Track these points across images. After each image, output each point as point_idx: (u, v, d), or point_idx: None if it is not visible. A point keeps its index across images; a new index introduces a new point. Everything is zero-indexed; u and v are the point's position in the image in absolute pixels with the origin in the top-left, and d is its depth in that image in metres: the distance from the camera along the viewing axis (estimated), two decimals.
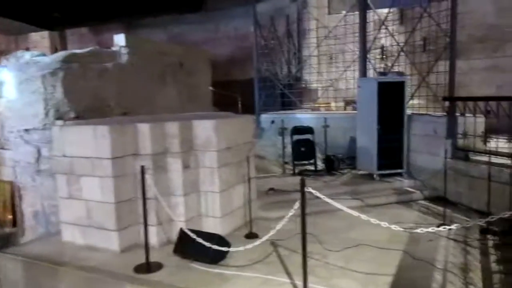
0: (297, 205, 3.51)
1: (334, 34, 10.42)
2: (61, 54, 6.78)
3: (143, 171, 4.20)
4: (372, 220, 3.43)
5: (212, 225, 5.03)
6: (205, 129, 4.97)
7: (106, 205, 4.66)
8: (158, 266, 4.27)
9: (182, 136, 4.90)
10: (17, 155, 7.12)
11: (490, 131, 5.93)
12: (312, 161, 7.68)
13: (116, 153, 4.61)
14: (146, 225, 4.26)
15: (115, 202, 4.61)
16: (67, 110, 6.52)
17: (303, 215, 3.44)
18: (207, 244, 4.06)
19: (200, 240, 4.09)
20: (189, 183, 4.95)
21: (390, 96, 7.02)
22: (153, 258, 4.39)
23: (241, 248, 3.96)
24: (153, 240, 4.79)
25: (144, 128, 4.77)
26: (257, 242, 3.93)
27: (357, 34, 8.93)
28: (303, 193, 3.42)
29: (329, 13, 11.33)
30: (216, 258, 4.25)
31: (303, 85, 10.97)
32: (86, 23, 14.20)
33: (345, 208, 3.58)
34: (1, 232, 7.45)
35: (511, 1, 9.30)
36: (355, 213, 3.56)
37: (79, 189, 4.86)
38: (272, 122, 5.97)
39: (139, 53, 7.56)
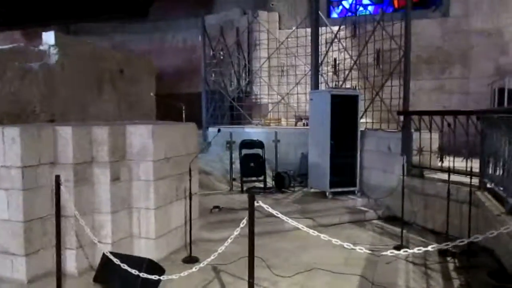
0: (243, 223, 2.95)
1: (286, 47, 10.20)
2: None
3: (58, 182, 3.45)
4: (334, 241, 2.93)
5: (144, 248, 4.31)
6: (140, 135, 4.31)
7: (12, 225, 3.82)
8: None
9: (113, 143, 4.20)
10: None
11: (444, 148, 5.76)
12: (261, 177, 7.17)
13: (28, 161, 3.81)
14: (58, 248, 3.48)
15: (23, 220, 3.78)
16: None
17: (251, 235, 2.88)
18: (134, 271, 3.36)
19: (125, 266, 3.37)
20: (119, 198, 4.23)
21: (343, 110, 6.74)
22: None
23: (175, 276, 3.30)
24: (71, 266, 4.00)
25: (65, 132, 4.02)
26: (196, 267, 3.30)
27: (308, 49, 8.72)
28: (251, 211, 2.87)
29: (280, 28, 11.14)
30: None
31: (253, 100, 10.58)
32: (19, 26, 12.98)
33: (301, 226, 3.07)
34: None
35: (456, 24, 9.57)
36: (313, 232, 3.05)
37: None
38: (219, 130, 5.42)
39: (71, 54, 6.76)
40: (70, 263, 4.01)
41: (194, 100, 10.34)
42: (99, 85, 7.60)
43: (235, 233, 3.11)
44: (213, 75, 10.07)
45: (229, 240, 3.15)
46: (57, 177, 3.47)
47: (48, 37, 6.44)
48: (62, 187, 3.50)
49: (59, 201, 3.47)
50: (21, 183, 3.76)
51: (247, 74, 10.81)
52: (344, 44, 9.07)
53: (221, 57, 10.40)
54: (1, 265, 3.89)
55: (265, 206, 3.01)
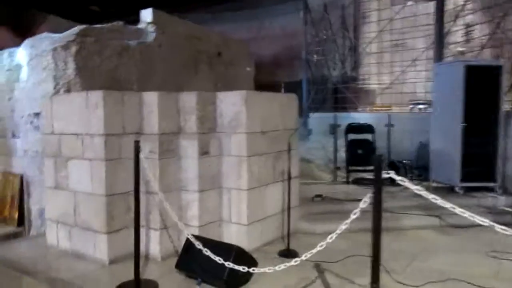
0: (356, 214, 2.17)
1: (397, 27, 8.93)
2: (77, 27, 5.85)
3: (137, 149, 2.96)
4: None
5: (235, 235, 3.69)
6: (232, 104, 3.70)
7: (95, 198, 3.47)
8: (149, 287, 2.98)
9: (202, 112, 3.66)
10: (26, 144, 6.24)
11: None
12: (370, 167, 6.13)
13: (111, 129, 3.43)
14: (137, 228, 2.99)
15: (106, 194, 3.41)
16: (79, 90, 5.53)
17: (376, 234, 2.07)
18: (221, 260, 2.72)
19: (210, 253, 2.75)
20: (208, 175, 3.66)
21: (481, 86, 5.38)
22: (150, 274, 3.15)
23: (269, 270, 2.57)
24: (155, 249, 3.53)
25: (151, 98, 3.58)
26: (295, 262, 2.53)
27: (425, 27, 7.39)
28: (378, 200, 2.05)
29: (393, 4, 9.86)
30: (233, 281, 2.90)
31: (359, 84, 9.50)
32: (125, 18, 13.63)
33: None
34: (6, 231, 6.54)
35: None
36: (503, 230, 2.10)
37: (66, 176, 3.73)
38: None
39: (169, 33, 6.52)
40: (154, 245, 3.55)
41: (294, 89, 9.62)
42: (195, 65, 7.31)
43: (343, 226, 2.32)
44: (315, 57, 9.25)
45: (334, 235, 2.37)
46: (136, 143, 2.98)
47: (146, 15, 6.25)
48: (143, 159, 3.00)
49: (138, 172, 2.99)
50: (103, 152, 3.39)
51: (353, 55, 9.76)
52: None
53: (324, 37, 9.52)
54: (85, 242, 3.59)
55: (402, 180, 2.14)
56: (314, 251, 2.39)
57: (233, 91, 3.76)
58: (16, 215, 6.69)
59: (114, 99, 3.46)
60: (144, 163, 3.02)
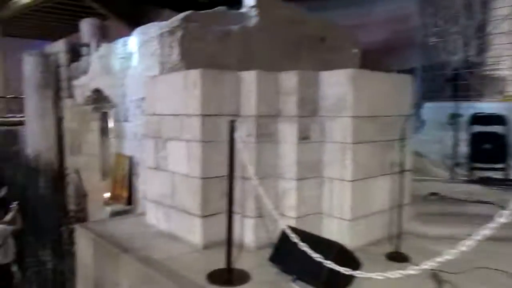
0: (501, 219, 1.63)
1: None
2: (182, 13, 5.94)
3: (232, 126, 2.75)
4: None
5: (336, 230, 3.31)
6: (337, 84, 3.30)
7: (191, 181, 3.38)
8: (242, 278, 2.77)
9: (303, 93, 3.33)
10: (134, 127, 6.59)
11: None
12: (502, 165, 5.19)
13: (208, 109, 3.30)
14: (230, 214, 2.80)
15: (201, 176, 3.29)
16: None
17: None
18: (320, 258, 2.38)
19: (307, 249, 2.43)
20: (307, 163, 3.33)
21: None
22: (242, 263, 2.95)
23: (377, 276, 2.16)
24: (248, 238, 3.33)
25: (248, 78, 3.36)
26: (411, 270, 2.07)
27: None
28: None
29: None
30: (333, 283, 2.53)
31: (486, 71, 8.24)
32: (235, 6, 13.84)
33: None
34: (117, 208, 7.03)
35: None
36: None
37: (165, 157, 3.72)
38: None
39: (271, 17, 6.29)
40: (248, 234, 3.35)
41: None
42: (297, 51, 6.98)
43: (485, 231, 1.80)
44: (432, 40, 8.27)
45: (469, 242, 1.84)
46: (232, 123, 2.77)
47: None
48: (239, 142, 2.79)
49: (233, 155, 2.78)
50: (200, 134, 3.27)
51: (479, 37, 8.50)
52: None
53: (444, 17, 8.45)
54: (180, 224, 3.53)
55: None
56: (440, 259, 1.90)
57: (338, 70, 3.35)
58: (126, 194, 7.14)
59: (212, 78, 3.32)
60: (239, 146, 2.80)
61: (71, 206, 5.18)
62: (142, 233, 3.77)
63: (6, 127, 13.54)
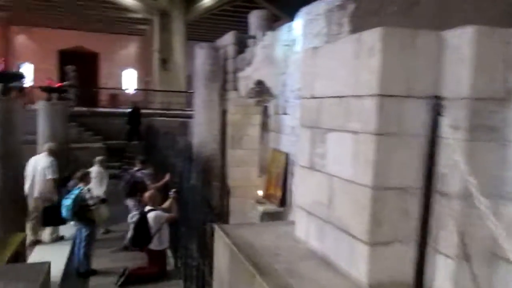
0: None
1: None
2: None
3: (435, 118, 1.64)
4: None
5: None
6: None
7: (357, 189, 2.37)
8: None
9: None
10: (293, 120, 5.87)
11: None
12: None
13: (389, 87, 2.22)
14: (422, 246, 1.70)
15: (373, 185, 2.24)
16: None
17: None
18: None
19: None
20: None
21: None
22: None
23: None
24: (439, 285, 2.14)
25: (458, 39, 2.15)
26: None
27: None
28: None
29: None
30: None
31: None
32: None
33: None
34: (269, 209, 6.46)
35: None
36: None
37: (323, 154, 2.79)
38: None
39: None
40: (441, 280, 2.16)
41: None
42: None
43: None
44: None
45: None
46: (436, 108, 1.66)
47: None
48: (446, 137, 1.66)
49: (433, 158, 1.66)
50: (375, 122, 2.22)
51: None
52: None
53: None
54: (337, 247, 2.56)
55: None
56: None
57: None
58: (280, 194, 6.48)
59: (399, 41, 2.22)
60: (445, 143, 1.67)
61: (215, 202, 4.77)
62: (288, 249, 2.94)
63: (182, 119, 14.83)
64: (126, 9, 19.64)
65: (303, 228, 3.06)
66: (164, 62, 17.35)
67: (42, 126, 10.56)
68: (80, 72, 19.46)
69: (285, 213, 6.23)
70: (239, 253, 2.82)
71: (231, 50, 8.93)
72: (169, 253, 6.93)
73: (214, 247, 3.47)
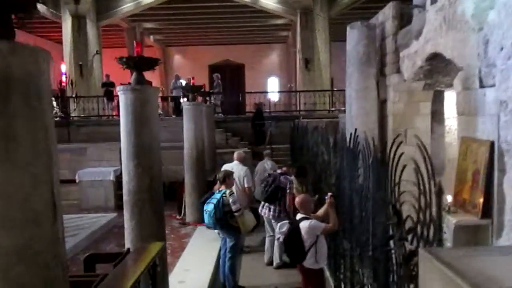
0: None
1: None
2: None
3: None
4: None
5: None
6: None
7: None
8: None
9: None
10: (504, 92, 4.02)
11: None
12: None
13: None
14: None
15: None
16: None
17: None
18: None
19: None
20: None
21: None
22: None
23: None
24: None
25: None
26: None
27: None
28: None
29: None
30: None
31: None
32: None
33: None
34: (465, 221, 4.65)
35: None
36: None
37: None
38: None
39: None
40: None
41: None
42: None
43: None
44: None
45: None
46: None
47: None
48: None
49: None
50: None
51: None
52: None
53: None
54: None
55: None
56: None
57: None
58: (480, 201, 4.62)
59: None
60: None
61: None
62: None
63: (327, 119, 13.60)
64: (267, 14, 19.50)
65: None
66: (307, 61, 16.42)
67: (188, 130, 9.82)
68: (227, 82, 19.83)
69: (492, 227, 4.36)
70: (452, 282, 1.37)
71: (390, 26, 7.33)
72: (326, 272, 5.65)
73: (419, 280, 2.04)
